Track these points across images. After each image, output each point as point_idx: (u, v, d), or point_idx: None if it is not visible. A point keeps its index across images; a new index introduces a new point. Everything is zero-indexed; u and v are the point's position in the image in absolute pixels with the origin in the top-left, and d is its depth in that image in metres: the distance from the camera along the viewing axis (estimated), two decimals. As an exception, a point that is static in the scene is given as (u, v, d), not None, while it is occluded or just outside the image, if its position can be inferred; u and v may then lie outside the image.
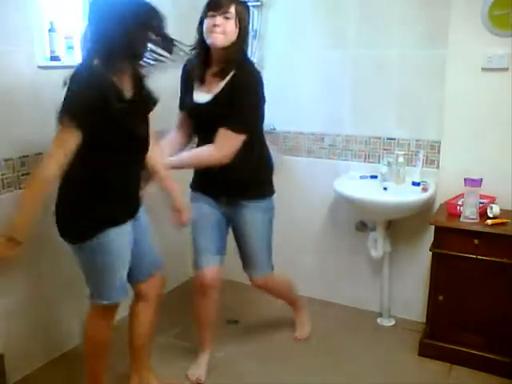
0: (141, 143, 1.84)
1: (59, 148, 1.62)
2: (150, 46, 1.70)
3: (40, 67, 2.17)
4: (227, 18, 1.94)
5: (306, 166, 2.92)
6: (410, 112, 2.61)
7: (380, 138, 2.71)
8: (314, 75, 2.81)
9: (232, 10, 1.95)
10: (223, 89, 2.00)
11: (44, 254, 2.31)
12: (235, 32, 1.97)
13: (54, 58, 2.22)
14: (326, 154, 2.86)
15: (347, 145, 2.80)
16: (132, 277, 1.98)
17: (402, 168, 2.58)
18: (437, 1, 2.44)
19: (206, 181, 2.20)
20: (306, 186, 2.95)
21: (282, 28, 2.85)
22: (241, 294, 3.08)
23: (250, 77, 2.01)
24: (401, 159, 2.58)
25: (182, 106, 2.20)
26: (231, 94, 1.97)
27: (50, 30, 2.19)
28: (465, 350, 2.36)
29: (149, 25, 1.70)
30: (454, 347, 2.38)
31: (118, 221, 1.81)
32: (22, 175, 2.16)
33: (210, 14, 1.95)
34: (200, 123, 2.11)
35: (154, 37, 1.70)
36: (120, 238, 1.83)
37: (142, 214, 1.97)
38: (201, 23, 2.01)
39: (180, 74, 2.17)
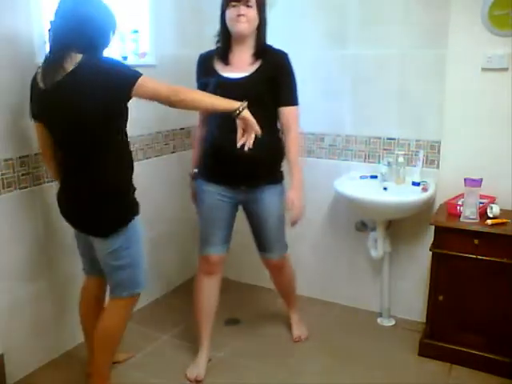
0: None
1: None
2: None
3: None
4: (249, 6, 2.05)
5: (305, 165, 2.91)
6: (410, 112, 2.61)
7: (380, 138, 2.72)
8: (314, 75, 2.80)
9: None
10: (260, 67, 2.12)
11: (44, 253, 2.31)
12: (257, 18, 2.09)
13: (54, 58, 2.21)
14: (326, 154, 2.86)
15: (347, 145, 2.80)
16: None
17: (402, 168, 2.58)
18: (437, 1, 2.44)
19: (223, 170, 2.20)
20: (306, 186, 2.92)
21: (282, 28, 2.84)
22: (241, 293, 3.09)
23: (286, 57, 2.18)
24: (401, 159, 2.58)
25: None
26: (270, 72, 2.12)
27: (49, 30, 2.18)
28: (465, 349, 2.36)
29: None
30: (454, 347, 2.38)
31: (139, 210, 1.95)
32: (22, 175, 2.16)
33: (233, 4, 2.04)
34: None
35: None
36: (141, 226, 1.96)
37: None
38: (223, 12, 2.10)
39: (196, 70, 2.25)
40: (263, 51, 2.14)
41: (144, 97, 1.77)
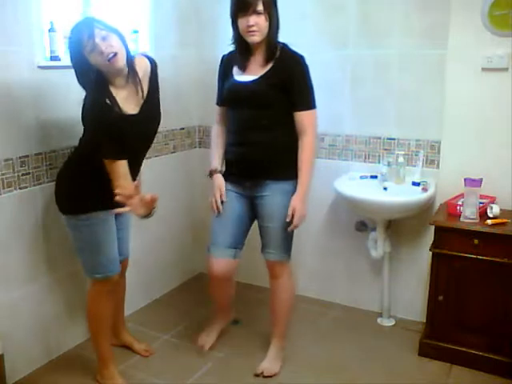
0: None
1: None
2: None
3: (40, 67, 2.17)
4: (258, 14, 2.02)
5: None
6: (409, 112, 2.61)
7: (380, 138, 2.72)
8: (313, 75, 2.78)
9: (260, 5, 2.02)
10: (271, 69, 2.10)
11: (44, 253, 2.31)
12: (267, 23, 2.06)
13: (53, 58, 2.22)
14: (326, 154, 2.86)
15: (347, 145, 2.80)
16: None
17: (402, 168, 2.58)
18: (437, 1, 2.44)
19: (232, 168, 2.25)
20: (306, 186, 2.94)
21: (282, 28, 2.84)
22: (240, 293, 3.08)
23: (300, 60, 2.15)
24: (401, 159, 2.58)
25: (220, 100, 2.28)
26: (280, 75, 2.09)
27: (49, 30, 2.19)
28: (465, 350, 2.36)
29: None
30: (453, 347, 2.38)
31: (107, 206, 1.98)
32: (22, 175, 2.16)
33: (241, 14, 2.03)
34: (241, 103, 2.15)
35: None
36: (106, 221, 2.05)
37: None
38: (233, 21, 2.08)
39: (218, 70, 2.27)
40: (275, 53, 2.12)
41: None
